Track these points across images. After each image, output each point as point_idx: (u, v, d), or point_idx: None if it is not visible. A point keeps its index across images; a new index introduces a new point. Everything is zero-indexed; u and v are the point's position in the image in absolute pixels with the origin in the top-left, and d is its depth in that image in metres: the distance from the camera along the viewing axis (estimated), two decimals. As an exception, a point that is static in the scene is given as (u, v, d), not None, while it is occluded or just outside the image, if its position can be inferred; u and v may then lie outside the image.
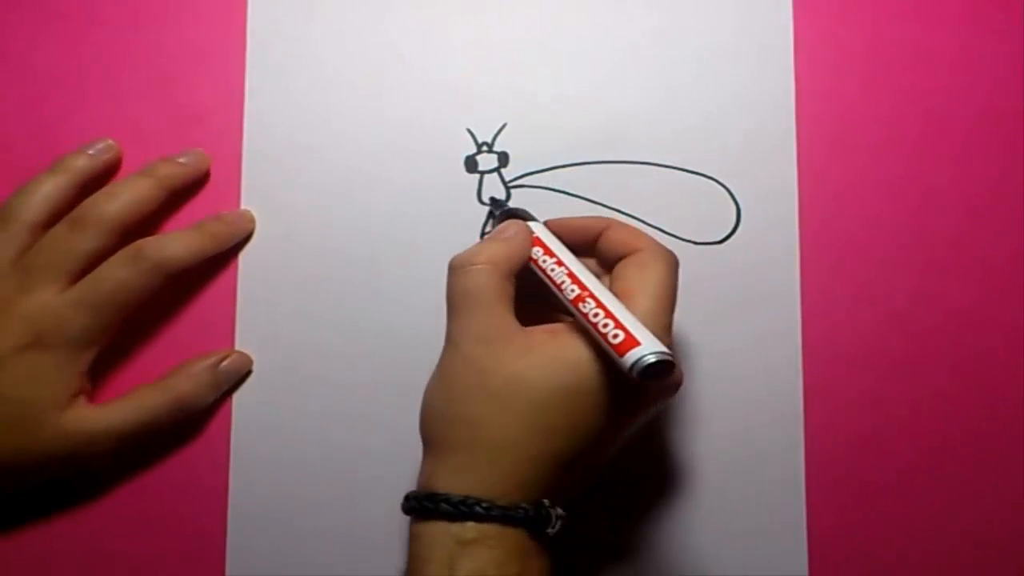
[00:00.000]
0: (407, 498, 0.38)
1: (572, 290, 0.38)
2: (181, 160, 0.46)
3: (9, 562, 0.45)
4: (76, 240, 0.43)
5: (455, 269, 0.40)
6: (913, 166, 0.46)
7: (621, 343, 0.36)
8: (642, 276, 0.39)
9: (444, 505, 0.37)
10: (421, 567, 0.37)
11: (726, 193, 0.46)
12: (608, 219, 0.42)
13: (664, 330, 0.38)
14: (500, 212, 0.45)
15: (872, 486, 0.45)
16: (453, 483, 0.37)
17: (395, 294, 0.46)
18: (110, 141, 0.46)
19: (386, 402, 0.46)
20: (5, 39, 0.48)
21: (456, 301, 0.39)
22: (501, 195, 0.47)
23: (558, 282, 0.39)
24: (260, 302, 0.46)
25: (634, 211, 0.46)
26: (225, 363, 0.45)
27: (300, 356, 0.46)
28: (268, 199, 0.47)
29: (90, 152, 0.46)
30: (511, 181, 0.47)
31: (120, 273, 0.43)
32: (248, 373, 0.46)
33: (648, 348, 0.35)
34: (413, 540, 0.38)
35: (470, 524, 0.37)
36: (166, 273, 0.44)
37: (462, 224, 0.46)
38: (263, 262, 0.46)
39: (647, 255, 0.40)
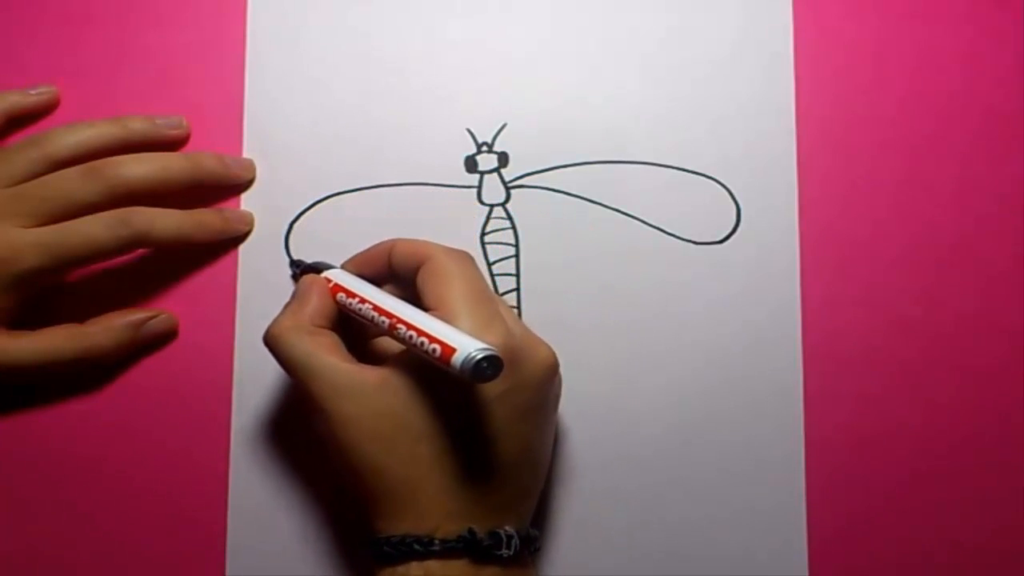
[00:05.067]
0: (368, 544, 0.39)
1: (383, 321, 0.38)
2: (228, 160, 0.46)
3: (9, 562, 0.45)
4: (80, 187, 0.43)
5: (267, 346, 0.40)
6: (913, 166, 0.46)
7: (441, 355, 0.36)
8: (441, 283, 0.39)
9: (386, 548, 0.37)
10: None
11: (726, 193, 0.46)
12: (392, 240, 0.42)
13: (486, 325, 0.38)
14: (298, 271, 0.45)
15: (872, 486, 0.45)
16: (390, 526, 0.38)
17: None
18: (182, 118, 0.47)
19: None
20: (4, 39, 0.48)
21: (288, 372, 0.40)
22: (501, 196, 0.47)
23: (368, 318, 0.39)
24: (260, 301, 0.46)
25: (634, 211, 0.46)
26: (151, 323, 0.45)
27: (300, 356, 0.46)
28: (268, 198, 0.47)
29: (157, 121, 0.46)
30: (511, 181, 0.47)
31: (96, 231, 0.43)
32: (172, 335, 0.46)
33: (466, 350, 0.35)
34: None
35: (413, 563, 0.37)
36: (144, 246, 0.44)
37: (462, 224, 0.46)
38: (263, 261, 0.46)
39: (436, 260, 0.40)
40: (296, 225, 0.47)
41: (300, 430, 0.46)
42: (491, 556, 0.37)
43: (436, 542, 0.37)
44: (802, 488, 0.45)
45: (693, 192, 0.46)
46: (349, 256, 0.46)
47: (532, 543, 0.40)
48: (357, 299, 0.40)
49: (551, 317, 0.45)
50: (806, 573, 0.44)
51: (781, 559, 0.44)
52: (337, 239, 0.46)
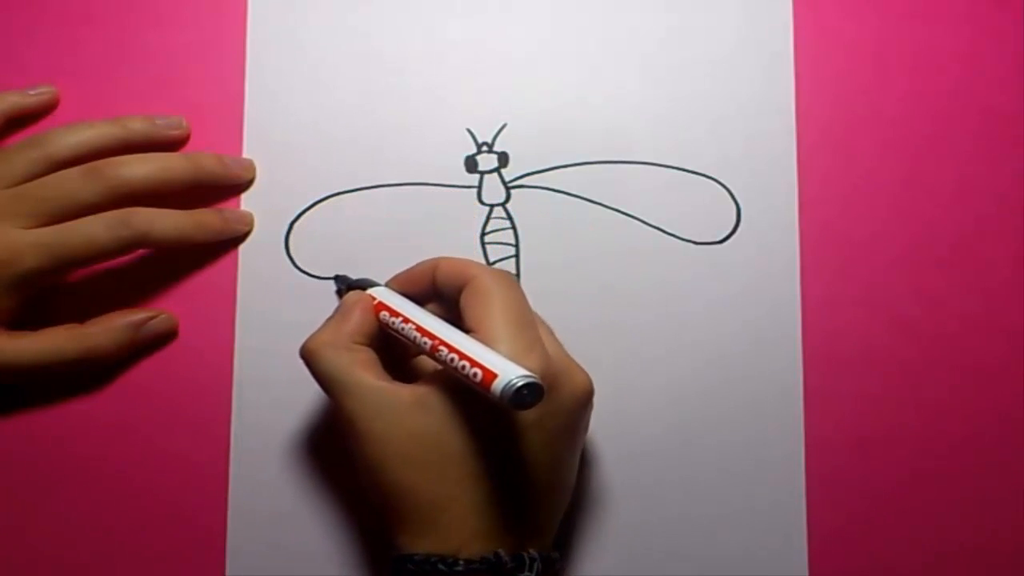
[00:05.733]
0: (390, 560, 0.39)
1: (425, 342, 0.38)
2: (228, 161, 0.46)
3: (9, 562, 0.45)
4: (80, 188, 0.43)
5: (304, 359, 0.40)
6: (913, 166, 0.46)
7: (482, 380, 0.35)
8: (483, 304, 0.39)
9: (410, 566, 0.37)
10: None
11: (726, 193, 0.46)
12: (437, 259, 0.42)
13: (526, 350, 0.37)
14: (343, 287, 0.45)
15: (872, 486, 0.45)
16: (415, 544, 0.38)
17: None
18: (182, 119, 0.47)
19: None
20: (3, 39, 0.48)
21: (323, 387, 0.40)
22: (501, 196, 0.47)
23: (411, 338, 0.39)
24: (260, 301, 0.46)
25: (634, 211, 0.46)
26: (152, 323, 0.45)
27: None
28: (268, 198, 0.47)
29: (157, 122, 0.46)
30: (511, 181, 0.47)
31: (97, 231, 0.43)
32: (172, 335, 0.46)
33: (507, 376, 0.35)
34: None
35: None
36: (144, 246, 0.44)
37: (462, 224, 0.46)
38: (263, 261, 0.46)
39: (480, 282, 0.39)
40: (296, 225, 0.47)
41: (300, 430, 0.46)
42: None
43: (460, 563, 0.37)
44: (802, 488, 0.45)
45: (693, 192, 0.46)
46: (349, 256, 0.46)
47: (552, 565, 0.39)
48: (400, 319, 0.40)
49: (551, 317, 0.45)
50: (806, 573, 0.44)
51: (781, 559, 0.44)
52: (337, 239, 0.46)
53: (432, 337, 0.38)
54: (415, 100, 0.47)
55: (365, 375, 0.39)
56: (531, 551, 0.38)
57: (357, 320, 0.41)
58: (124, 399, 0.46)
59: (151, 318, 0.45)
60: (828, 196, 0.46)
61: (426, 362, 0.42)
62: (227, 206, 0.47)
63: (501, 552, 0.37)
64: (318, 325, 0.46)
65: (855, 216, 0.46)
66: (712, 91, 0.47)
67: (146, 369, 0.46)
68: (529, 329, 0.38)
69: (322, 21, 0.48)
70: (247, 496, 0.45)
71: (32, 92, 0.47)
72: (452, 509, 0.37)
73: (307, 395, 0.46)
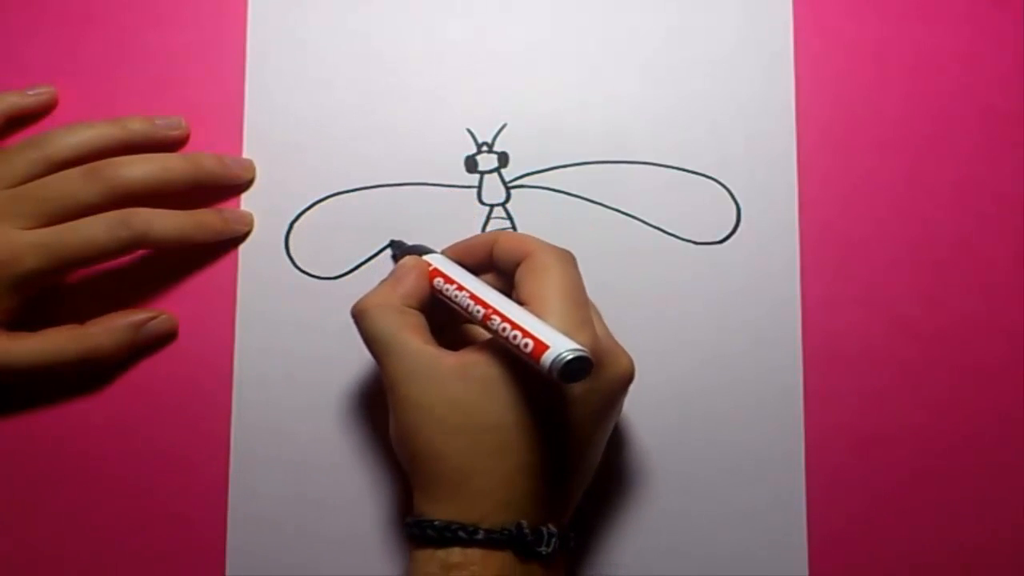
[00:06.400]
0: (405, 524, 0.39)
1: (477, 311, 0.38)
2: (228, 161, 0.46)
3: (9, 562, 0.45)
4: (79, 188, 0.43)
5: (353, 318, 0.40)
6: (913, 166, 0.46)
7: (532, 351, 0.36)
8: (539, 279, 0.39)
9: (430, 531, 0.37)
10: None
11: (726, 193, 0.46)
12: (496, 232, 0.42)
13: (579, 327, 0.38)
14: (399, 252, 0.45)
15: (872, 486, 0.45)
16: (437, 510, 0.38)
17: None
18: (181, 119, 0.47)
19: (386, 402, 0.46)
20: (3, 39, 0.48)
21: (369, 347, 0.40)
22: (501, 196, 0.47)
23: (463, 306, 0.39)
24: (260, 301, 0.46)
25: (634, 211, 0.46)
26: (152, 323, 0.45)
27: (300, 356, 0.46)
28: (268, 198, 0.47)
29: (157, 122, 0.46)
30: (511, 181, 0.47)
31: (96, 232, 0.43)
32: (172, 335, 0.46)
33: (557, 349, 0.35)
34: (409, 563, 0.39)
35: (455, 549, 0.37)
36: (144, 247, 0.44)
37: (462, 224, 0.46)
38: (263, 261, 0.46)
39: (538, 257, 0.40)
40: (296, 225, 0.47)
41: (299, 430, 0.46)
42: (532, 552, 0.37)
43: (481, 531, 0.37)
44: (802, 488, 0.45)
45: (693, 192, 0.46)
46: (349, 256, 0.46)
47: (567, 544, 0.40)
48: (455, 286, 0.40)
49: (551, 317, 0.45)
50: (806, 573, 0.44)
51: (781, 559, 0.45)
52: (337, 239, 0.46)
53: (485, 306, 0.38)
54: (415, 100, 0.47)
55: (412, 338, 0.39)
56: (550, 526, 0.38)
57: (411, 284, 0.41)
58: (124, 399, 0.46)
59: (151, 318, 0.45)
60: (828, 196, 0.46)
61: (474, 333, 0.42)
62: (227, 206, 0.47)
63: (524, 523, 0.37)
64: (318, 325, 0.46)
65: (855, 216, 0.46)
66: (712, 91, 0.47)
67: (146, 369, 0.46)
68: (582, 307, 0.39)
69: (322, 21, 0.48)
70: (247, 496, 0.45)
71: (31, 92, 0.47)
72: (480, 478, 0.37)
73: (307, 395, 0.46)
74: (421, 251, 0.43)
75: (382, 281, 0.42)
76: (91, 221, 0.43)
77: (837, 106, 0.47)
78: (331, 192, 0.47)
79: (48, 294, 0.45)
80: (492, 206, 0.47)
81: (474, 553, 0.37)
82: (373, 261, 0.46)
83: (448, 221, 0.46)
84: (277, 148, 0.47)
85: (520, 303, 0.39)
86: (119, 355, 0.45)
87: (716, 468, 0.45)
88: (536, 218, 0.46)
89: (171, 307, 0.46)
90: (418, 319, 0.40)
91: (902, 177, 0.46)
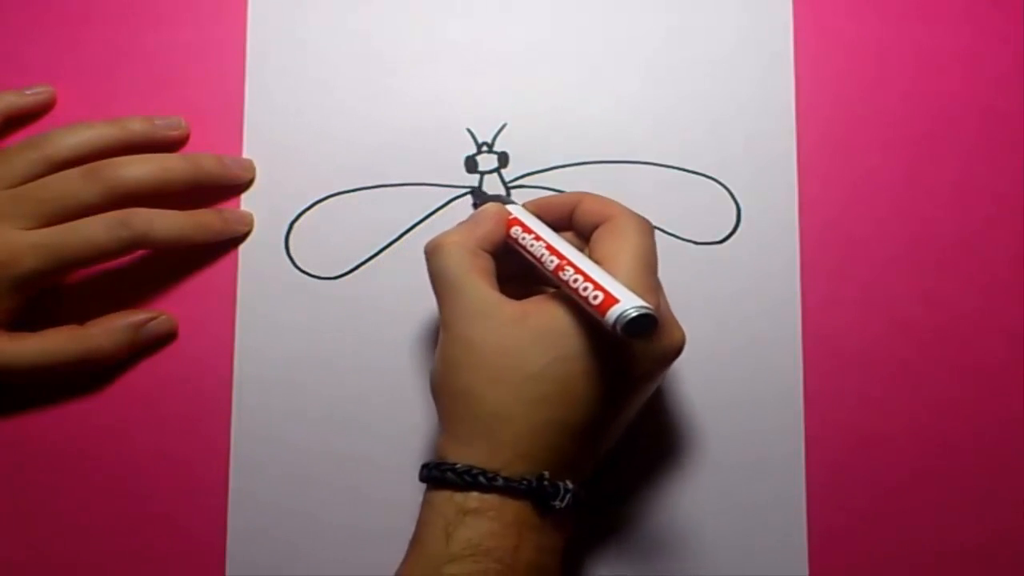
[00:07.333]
0: (423, 466, 0.39)
1: (551, 261, 0.39)
2: (227, 161, 0.46)
3: (9, 562, 0.45)
4: (79, 189, 0.43)
5: (426, 254, 0.40)
6: (913, 166, 0.46)
7: (601, 303, 0.36)
8: (617, 241, 0.39)
9: (450, 474, 0.38)
10: (421, 530, 0.38)
11: (726, 193, 0.46)
12: (581, 193, 0.42)
13: (648, 290, 0.38)
14: (480, 201, 0.46)
15: (872, 486, 0.45)
16: (460, 454, 0.38)
17: (395, 293, 0.46)
18: (181, 119, 0.47)
19: (386, 402, 0.46)
20: (3, 39, 0.48)
21: (435, 284, 0.40)
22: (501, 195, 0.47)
23: (537, 255, 0.40)
24: (260, 301, 0.46)
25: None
26: (152, 324, 0.46)
27: (300, 357, 0.46)
28: (268, 198, 0.47)
29: (157, 122, 0.46)
30: (511, 181, 0.47)
31: (96, 232, 0.43)
32: (172, 336, 0.46)
33: (627, 304, 0.36)
34: (423, 505, 0.39)
35: (473, 494, 0.37)
36: (144, 247, 0.44)
37: (462, 224, 0.46)
38: (263, 262, 0.46)
39: (619, 221, 0.40)
40: (296, 225, 0.47)
41: (299, 430, 0.46)
42: (547, 505, 0.38)
43: (500, 478, 0.37)
44: (802, 487, 0.45)
45: (693, 192, 0.46)
46: (349, 256, 0.46)
47: (579, 503, 0.39)
48: (532, 235, 0.40)
49: (551, 317, 0.45)
50: (806, 573, 0.44)
51: (781, 558, 0.45)
52: (337, 239, 0.46)
53: (560, 256, 0.39)
54: (415, 100, 0.47)
55: (479, 280, 0.39)
56: (568, 483, 0.38)
57: (489, 228, 0.41)
58: (124, 399, 0.46)
59: (151, 319, 0.45)
60: (828, 196, 0.46)
61: (535, 290, 0.42)
62: (227, 206, 0.47)
63: (546, 475, 0.38)
64: (318, 325, 0.46)
65: (855, 216, 0.46)
66: (712, 91, 0.47)
67: (146, 369, 0.46)
68: (653, 274, 0.39)
69: (322, 21, 0.48)
70: (247, 496, 0.45)
71: (29, 92, 0.47)
72: (511, 426, 0.38)
73: (307, 395, 0.46)
74: (503, 201, 0.43)
75: (460, 223, 0.42)
76: (91, 221, 0.43)
77: (837, 106, 0.47)
78: (331, 192, 0.47)
79: (48, 294, 0.45)
80: (492, 206, 0.47)
81: (492, 499, 0.37)
82: (373, 261, 0.46)
83: (448, 221, 0.46)
84: (277, 148, 0.47)
85: (590, 257, 0.39)
86: (119, 356, 0.45)
87: (716, 467, 0.45)
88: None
89: (171, 307, 0.46)
90: (488, 263, 0.40)
91: (902, 177, 0.46)
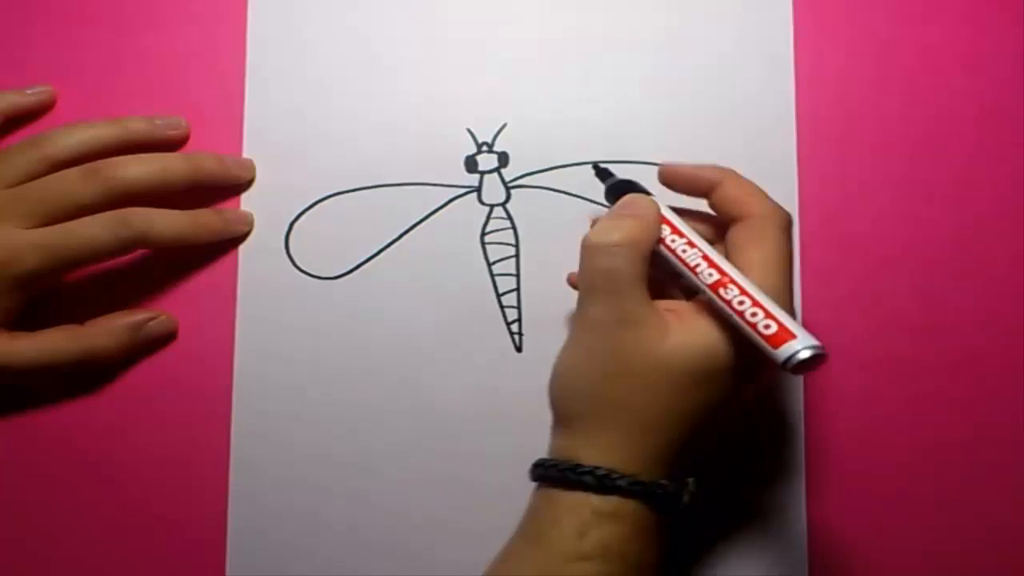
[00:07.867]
0: (541, 465, 0.39)
1: (710, 274, 0.37)
2: (228, 161, 0.46)
3: (9, 562, 0.45)
4: (79, 188, 0.43)
5: (594, 249, 0.39)
6: (913, 166, 0.46)
7: (774, 335, 0.35)
8: (761, 249, 0.38)
9: (588, 477, 0.37)
10: (548, 529, 0.38)
11: (726, 193, 0.46)
12: (723, 172, 0.41)
13: (791, 306, 0.38)
14: (612, 184, 0.43)
15: (872, 486, 0.45)
16: (597, 458, 0.38)
17: (396, 293, 0.46)
18: (181, 119, 0.47)
19: (387, 401, 0.46)
20: (2, 39, 0.48)
21: (596, 282, 0.38)
22: (501, 196, 0.47)
23: (692, 265, 0.38)
24: (260, 301, 0.46)
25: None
26: (152, 324, 0.46)
27: (300, 356, 0.46)
28: (268, 198, 0.47)
29: (157, 122, 0.46)
30: (511, 181, 0.47)
31: (96, 232, 0.43)
32: (172, 335, 0.46)
33: (803, 343, 0.34)
34: (543, 504, 0.38)
35: (613, 498, 0.37)
36: (144, 246, 0.44)
37: (462, 224, 0.46)
38: (263, 261, 0.46)
39: (761, 222, 0.39)
40: (296, 225, 0.47)
41: (299, 430, 0.46)
42: (673, 507, 0.38)
43: (640, 484, 0.37)
44: (802, 488, 0.45)
45: (693, 192, 0.46)
46: (350, 256, 0.46)
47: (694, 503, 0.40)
48: (685, 240, 0.39)
49: (551, 317, 0.45)
50: (806, 573, 0.44)
51: (781, 559, 0.45)
52: (337, 239, 0.46)
53: (722, 272, 0.37)
54: (415, 100, 0.47)
55: (644, 288, 0.38)
56: (691, 482, 0.39)
57: (651, 228, 0.39)
58: (124, 399, 0.46)
59: (151, 319, 0.45)
60: (828, 195, 0.46)
61: (670, 293, 0.41)
62: (227, 206, 0.47)
63: (690, 482, 0.38)
64: (318, 325, 0.46)
65: (855, 215, 0.46)
66: (712, 91, 0.47)
67: (146, 369, 0.46)
68: (791, 290, 0.38)
69: (322, 21, 0.48)
70: (247, 496, 0.45)
71: (29, 91, 0.47)
72: (654, 437, 0.38)
73: (307, 395, 0.46)
74: (636, 187, 0.41)
75: (616, 213, 0.40)
76: (91, 221, 0.43)
77: (837, 106, 0.47)
78: (331, 192, 0.47)
79: (48, 294, 0.45)
80: (492, 206, 0.47)
81: (627, 504, 0.37)
82: (373, 261, 0.46)
83: (448, 221, 0.46)
84: (277, 148, 0.47)
85: (731, 262, 0.38)
86: (119, 355, 0.45)
87: (716, 468, 0.45)
88: (536, 218, 0.46)
89: (171, 307, 0.46)
90: (648, 268, 0.39)
91: (902, 176, 0.46)
